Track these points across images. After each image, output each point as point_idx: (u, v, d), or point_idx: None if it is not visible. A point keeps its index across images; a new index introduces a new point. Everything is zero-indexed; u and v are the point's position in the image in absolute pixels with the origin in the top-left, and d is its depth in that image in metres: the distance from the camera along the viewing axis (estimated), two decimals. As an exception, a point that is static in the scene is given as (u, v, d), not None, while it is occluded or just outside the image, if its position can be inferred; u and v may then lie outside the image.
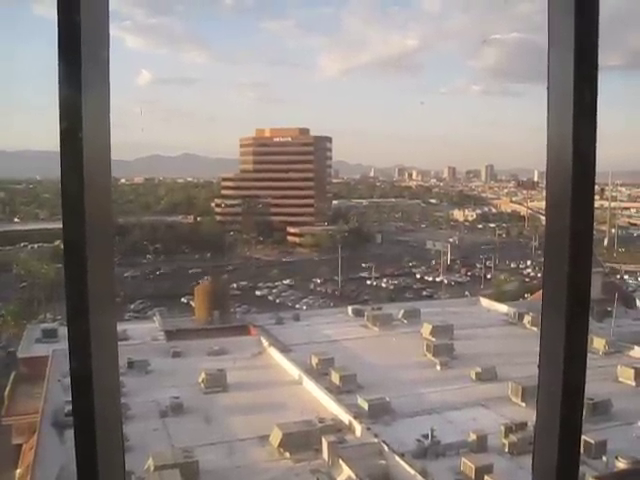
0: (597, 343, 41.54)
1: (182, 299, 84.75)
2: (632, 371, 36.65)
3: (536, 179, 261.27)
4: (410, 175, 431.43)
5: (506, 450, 27.03)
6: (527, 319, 50.05)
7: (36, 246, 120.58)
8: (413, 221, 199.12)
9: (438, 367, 39.44)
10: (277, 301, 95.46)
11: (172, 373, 37.75)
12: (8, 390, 38.66)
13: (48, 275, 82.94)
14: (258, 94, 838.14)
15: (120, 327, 42.78)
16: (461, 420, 30.52)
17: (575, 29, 1.43)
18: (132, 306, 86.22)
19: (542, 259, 1.60)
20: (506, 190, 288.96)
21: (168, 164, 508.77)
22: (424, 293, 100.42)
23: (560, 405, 1.53)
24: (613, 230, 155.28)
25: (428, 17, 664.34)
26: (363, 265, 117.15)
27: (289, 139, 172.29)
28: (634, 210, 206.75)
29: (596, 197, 1.68)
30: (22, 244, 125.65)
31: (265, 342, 44.28)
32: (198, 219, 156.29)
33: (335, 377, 35.88)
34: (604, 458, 25.37)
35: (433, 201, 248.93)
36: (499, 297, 70.40)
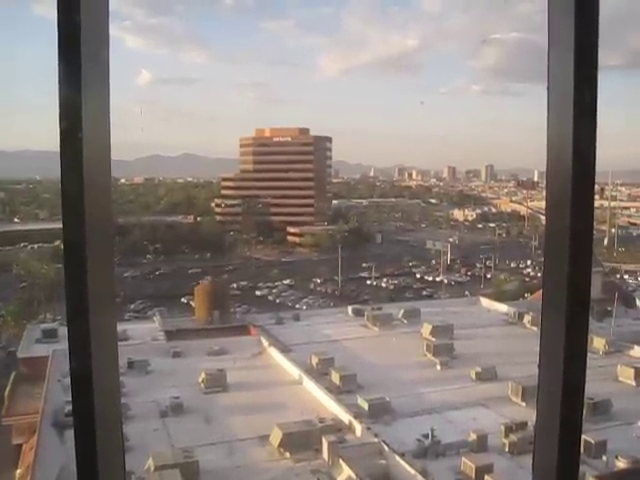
0: (597, 343, 41.54)
1: (182, 299, 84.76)
2: (632, 371, 36.65)
3: (536, 179, 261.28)
4: (410, 175, 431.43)
5: (506, 450, 27.04)
6: (527, 319, 50.06)
7: (36, 246, 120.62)
8: (413, 221, 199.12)
9: (438, 367, 39.45)
10: (277, 301, 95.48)
11: (172, 373, 37.75)
12: (8, 390, 38.64)
13: (48, 275, 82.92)
14: (258, 94, 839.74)
15: (120, 327, 42.78)
16: (461, 420, 30.52)
17: (575, 29, 1.43)
18: (132, 306, 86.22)
19: (542, 259, 1.60)
20: (506, 190, 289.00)
21: (168, 164, 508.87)
22: (424, 293, 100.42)
23: (560, 405, 1.53)
24: (613, 230, 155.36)
25: (428, 17, 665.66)
26: (363, 265, 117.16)
27: (289, 139, 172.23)
28: (634, 210, 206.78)
29: (596, 197, 1.68)
30: (22, 244, 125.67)
31: (265, 342, 44.28)
32: (198, 219, 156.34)
33: (335, 377, 35.87)
34: (604, 458, 25.37)
35: (433, 201, 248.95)
36: (499, 297, 70.39)
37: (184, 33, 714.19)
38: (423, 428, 27.94)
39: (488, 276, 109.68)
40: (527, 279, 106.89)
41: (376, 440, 26.98)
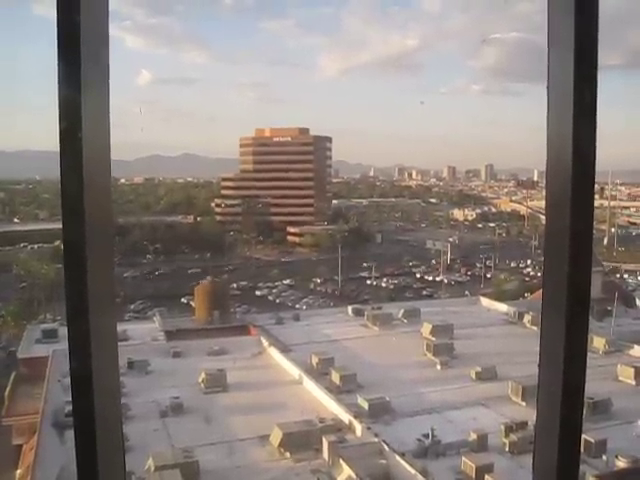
0: (597, 342, 41.55)
1: (182, 299, 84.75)
2: (632, 370, 36.67)
3: (536, 178, 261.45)
4: (410, 175, 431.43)
5: (506, 449, 27.04)
6: (527, 318, 50.07)
7: (36, 246, 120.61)
8: (413, 220, 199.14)
9: (438, 366, 39.45)
10: (277, 301, 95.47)
11: (172, 373, 37.74)
12: (8, 390, 38.64)
13: (48, 275, 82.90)
14: (258, 94, 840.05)
15: (120, 327, 42.78)
16: (461, 419, 30.52)
17: (575, 29, 1.43)
18: (132, 306, 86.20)
19: (542, 258, 1.60)
20: (506, 189, 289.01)
21: (168, 164, 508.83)
22: (424, 292, 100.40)
23: (560, 404, 1.53)
24: (613, 229, 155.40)
25: (428, 17, 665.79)
26: (363, 265, 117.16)
27: (289, 139, 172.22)
28: (634, 209, 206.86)
29: (596, 196, 1.68)
30: (22, 244, 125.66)
31: (265, 342, 44.27)
32: (198, 219, 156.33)
33: (335, 377, 35.88)
34: (604, 457, 25.38)
35: (433, 200, 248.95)
36: (499, 296, 70.42)
37: (184, 33, 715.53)
38: (423, 428, 27.94)
39: (488, 276, 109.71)
40: (527, 279, 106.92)
41: (376, 440, 26.97)
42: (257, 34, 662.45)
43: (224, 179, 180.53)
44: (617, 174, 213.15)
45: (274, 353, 41.92)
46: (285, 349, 43.08)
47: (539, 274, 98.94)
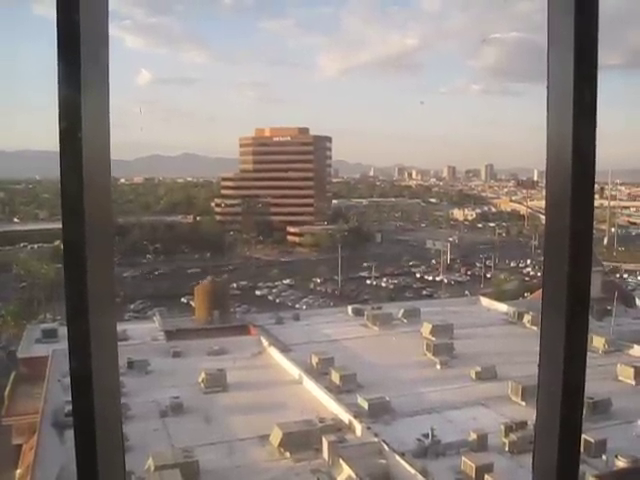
0: (597, 342, 41.56)
1: (182, 299, 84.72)
2: (632, 370, 36.67)
3: (536, 178, 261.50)
4: (410, 174, 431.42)
5: (506, 449, 27.05)
6: (527, 318, 50.07)
7: (36, 246, 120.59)
8: (413, 220, 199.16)
9: (438, 366, 39.45)
10: (277, 301, 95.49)
11: (172, 373, 37.75)
12: (8, 390, 38.65)
13: (48, 275, 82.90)
14: (258, 94, 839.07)
15: (120, 327, 42.81)
16: (461, 419, 30.53)
17: (575, 28, 1.43)
18: (132, 306, 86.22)
19: (542, 258, 1.60)
20: (506, 189, 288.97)
21: (168, 164, 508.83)
22: (424, 292, 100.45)
23: (560, 404, 1.53)
24: (613, 229, 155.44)
25: (428, 17, 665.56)
26: (363, 264, 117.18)
27: (289, 139, 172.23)
28: (634, 209, 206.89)
29: (596, 196, 1.68)
30: (22, 244, 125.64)
31: (265, 342, 44.27)
32: (198, 219, 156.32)
33: (335, 376, 35.88)
34: (604, 457, 25.39)
35: (433, 200, 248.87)
36: (499, 296, 70.42)
37: (184, 33, 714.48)
38: (423, 427, 27.95)
39: (488, 275, 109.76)
40: (527, 278, 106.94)
41: (376, 440, 26.97)
42: (257, 34, 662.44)
43: (224, 179, 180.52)
44: (617, 174, 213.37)
45: (274, 353, 41.92)
46: (285, 349, 43.09)
47: (539, 274, 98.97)
